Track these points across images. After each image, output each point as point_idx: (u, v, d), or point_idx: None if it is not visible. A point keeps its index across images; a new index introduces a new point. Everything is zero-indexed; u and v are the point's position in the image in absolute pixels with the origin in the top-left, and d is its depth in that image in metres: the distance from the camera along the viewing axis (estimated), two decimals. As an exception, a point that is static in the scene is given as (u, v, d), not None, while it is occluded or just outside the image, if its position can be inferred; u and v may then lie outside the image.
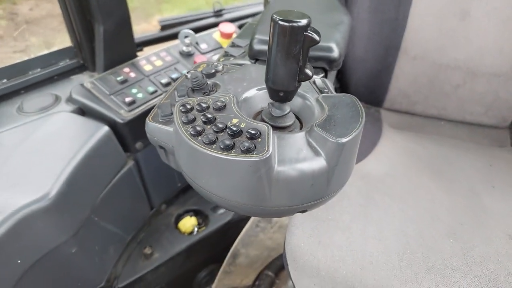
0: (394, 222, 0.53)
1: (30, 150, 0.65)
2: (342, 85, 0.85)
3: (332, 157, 0.30)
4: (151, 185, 0.88)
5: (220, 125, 0.30)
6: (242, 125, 0.30)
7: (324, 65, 0.46)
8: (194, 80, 0.36)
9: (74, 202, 0.62)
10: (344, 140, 0.30)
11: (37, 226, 0.55)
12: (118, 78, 0.84)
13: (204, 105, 0.33)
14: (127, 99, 0.80)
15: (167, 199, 0.96)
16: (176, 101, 0.37)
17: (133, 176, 0.81)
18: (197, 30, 1.05)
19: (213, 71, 0.43)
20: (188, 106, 0.33)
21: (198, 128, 0.30)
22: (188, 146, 0.30)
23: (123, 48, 0.89)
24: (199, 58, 0.94)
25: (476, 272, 0.46)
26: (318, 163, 0.30)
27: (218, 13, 1.08)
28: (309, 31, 0.29)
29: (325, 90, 0.38)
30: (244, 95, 0.35)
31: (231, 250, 0.84)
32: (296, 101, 0.36)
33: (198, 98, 0.34)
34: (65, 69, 0.88)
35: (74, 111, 0.77)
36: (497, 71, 0.74)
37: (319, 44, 0.41)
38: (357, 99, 0.36)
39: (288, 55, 0.29)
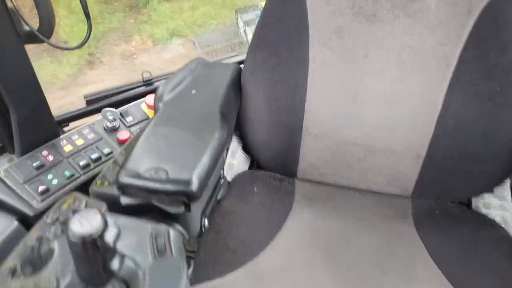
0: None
1: None
2: (256, 161, 0.88)
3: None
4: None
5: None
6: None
7: (184, 199, 0.49)
8: (22, 257, 0.38)
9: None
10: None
11: None
12: (35, 164, 0.85)
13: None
14: (41, 188, 0.81)
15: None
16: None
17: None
18: (125, 101, 1.07)
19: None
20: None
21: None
22: None
23: (42, 130, 0.90)
24: (123, 133, 0.95)
25: None
26: None
27: (147, 82, 1.10)
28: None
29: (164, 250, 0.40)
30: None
31: None
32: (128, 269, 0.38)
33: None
34: (-17, 152, 0.89)
35: (-16, 204, 0.78)
36: (392, 149, 0.79)
37: (176, 176, 0.44)
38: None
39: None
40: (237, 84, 0.77)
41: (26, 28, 0.81)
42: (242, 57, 1.30)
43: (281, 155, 0.85)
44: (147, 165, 0.51)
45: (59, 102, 2.94)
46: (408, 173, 0.81)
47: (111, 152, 0.92)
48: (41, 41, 0.81)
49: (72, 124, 1.04)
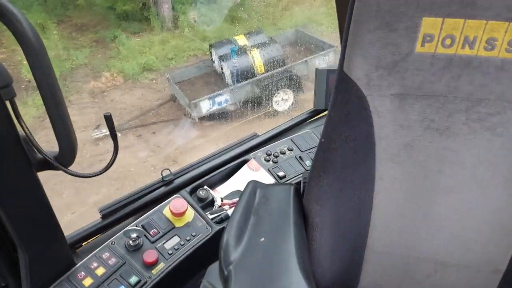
0: None
1: None
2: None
3: None
4: None
5: None
6: None
7: None
8: None
9: None
10: None
11: None
12: (51, 312, 0.70)
13: None
14: None
15: None
16: None
17: None
18: (144, 205, 0.94)
19: None
20: None
21: None
22: None
23: (55, 263, 0.76)
24: (149, 255, 0.82)
25: None
26: None
27: (167, 182, 0.96)
28: None
29: None
30: None
31: None
32: None
33: None
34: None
35: None
36: (466, 263, 0.72)
37: None
38: None
39: None
40: (300, 212, 0.68)
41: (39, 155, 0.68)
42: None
43: (340, 274, 0.76)
44: None
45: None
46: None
47: (138, 282, 0.78)
48: (57, 169, 0.69)
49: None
